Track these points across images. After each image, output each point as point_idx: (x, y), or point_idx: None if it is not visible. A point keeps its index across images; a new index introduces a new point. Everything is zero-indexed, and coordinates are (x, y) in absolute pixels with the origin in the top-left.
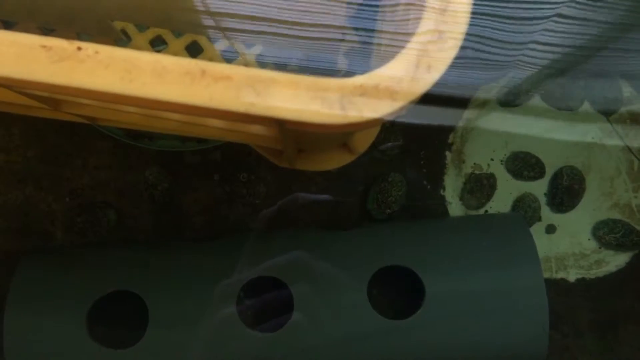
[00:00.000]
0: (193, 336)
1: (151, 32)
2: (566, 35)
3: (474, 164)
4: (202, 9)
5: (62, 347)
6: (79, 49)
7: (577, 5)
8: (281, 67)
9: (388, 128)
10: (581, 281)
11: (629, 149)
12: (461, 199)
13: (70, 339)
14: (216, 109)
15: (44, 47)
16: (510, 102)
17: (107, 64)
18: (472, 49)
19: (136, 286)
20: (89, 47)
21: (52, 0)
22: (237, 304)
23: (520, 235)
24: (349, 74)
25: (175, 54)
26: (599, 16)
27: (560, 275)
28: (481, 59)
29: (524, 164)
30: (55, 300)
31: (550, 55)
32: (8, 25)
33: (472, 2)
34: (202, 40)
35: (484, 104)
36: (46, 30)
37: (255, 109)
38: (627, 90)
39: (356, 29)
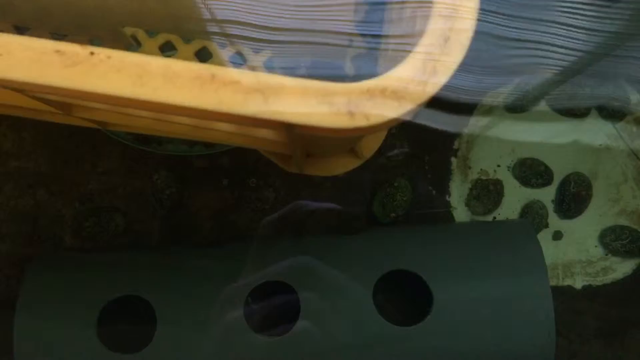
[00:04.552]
0: (200, 341)
1: (161, 38)
2: (575, 39)
3: (480, 169)
4: (208, 17)
5: (72, 351)
6: (92, 53)
7: (585, 13)
8: (289, 72)
9: (394, 134)
10: (588, 288)
11: (635, 155)
12: (467, 205)
13: (79, 343)
14: (225, 113)
15: (58, 51)
16: (517, 108)
17: (119, 68)
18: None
19: (144, 291)
20: (102, 52)
21: (64, 7)
22: (245, 309)
23: (528, 242)
24: (356, 79)
25: (184, 59)
26: (606, 25)
27: (567, 282)
28: (489, 62)
29: (531, 171)
30: (65, 304)
31: (561, 58)
32: (21, 32)
33: (479, 7)
34: (212, 46)
35: (491, 110)
36: (58, 36)
37: (263, 112)
38: (634, 96)
39: (363, 34)
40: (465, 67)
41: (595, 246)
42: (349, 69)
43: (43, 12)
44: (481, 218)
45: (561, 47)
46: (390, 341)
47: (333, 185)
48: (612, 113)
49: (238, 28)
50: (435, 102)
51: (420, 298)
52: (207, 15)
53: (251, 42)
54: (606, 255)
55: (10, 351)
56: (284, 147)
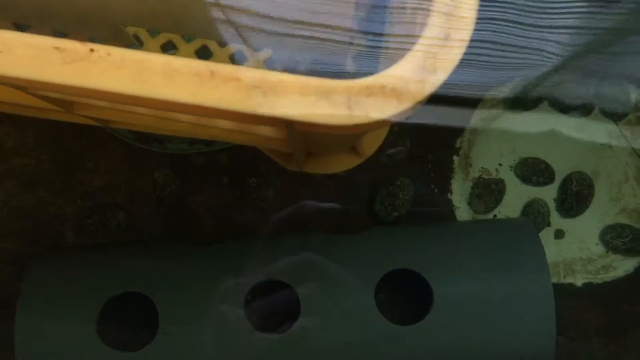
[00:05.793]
0: (202, 338)
1: (162, 37)
2: (576, 36)
3: (482, 168)
4: (212, 4)
5: (72, 349)
6: (92, 50)
7: (587, 13)
8: (290, 70)
9: (395, 132)
10: (589, 286)
11: (637, 154)
12: (469, 203)
13: (80, 341)
14: (225, 110)
15: (58, 48)
16: (518, 106)
17: (119, 65)
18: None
19: (146, 288)
20: (101, 49)
21: (65, 5)
22: (245, 307)
23: (529, 241)
24: (356, 76)
25: (185, 57)
26: (607, 22)
27: (568, 280)
28: (491, 61)
29: (533, 170)
30: (66, 301)
31: (561, 56)
32: (22, 29)
33: (479, 5)
34: (212, 45)
35: (492, 108)
36: (59, 34)
37: (263, 109)
38: (635, 94)
39: (364, 31)
40: (465, 64)
41: (596, 244)
42: (349, 66)
43: (43, 10)
44: (483, 217)
45: (559, 42)
46: (390, 339)
47: (333, 184)
48: (613, 112)
49: (240, 16)
50: (436, 100)
51: (421, 296)
52: (210, 3)
53: (253, 32)
54: (607, 253)
55: (11, 349)
56: (284, 144)
